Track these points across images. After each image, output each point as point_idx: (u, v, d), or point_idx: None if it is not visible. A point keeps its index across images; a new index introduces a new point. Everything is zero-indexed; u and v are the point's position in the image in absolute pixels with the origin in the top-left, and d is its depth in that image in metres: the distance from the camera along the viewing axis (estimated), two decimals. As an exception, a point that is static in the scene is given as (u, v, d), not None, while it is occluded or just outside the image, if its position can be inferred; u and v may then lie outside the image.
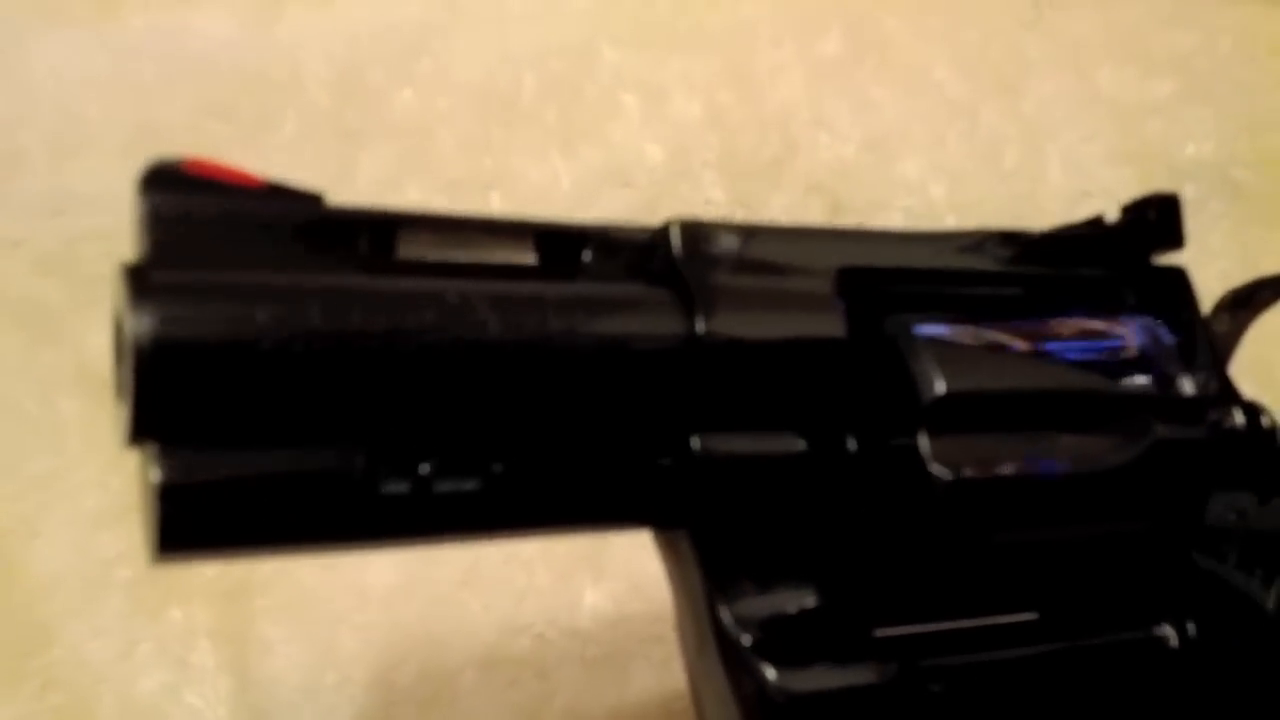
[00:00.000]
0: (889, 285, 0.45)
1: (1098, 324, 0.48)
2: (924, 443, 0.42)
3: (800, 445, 0.42)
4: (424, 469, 0.38)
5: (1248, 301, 0.54)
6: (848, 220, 0.84)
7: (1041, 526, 0.44)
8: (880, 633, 0.43)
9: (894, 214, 0.84)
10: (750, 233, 0.44)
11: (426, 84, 0.80)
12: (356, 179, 0.78)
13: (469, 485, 0.39)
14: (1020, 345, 0.46)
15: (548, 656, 0.67)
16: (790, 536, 0.42)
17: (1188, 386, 0.47)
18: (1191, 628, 0.46)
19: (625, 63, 0.84)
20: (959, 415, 0.43)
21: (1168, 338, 0.48)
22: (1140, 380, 0.47)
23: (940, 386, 0.42)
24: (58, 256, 0.74)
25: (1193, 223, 0.92)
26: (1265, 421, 0.49)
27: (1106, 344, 0.47)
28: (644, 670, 0.67)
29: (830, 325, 0.43)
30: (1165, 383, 0.47)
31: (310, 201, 0.38)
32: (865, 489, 0.43)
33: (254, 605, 0.67)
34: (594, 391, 0.40)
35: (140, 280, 0.34)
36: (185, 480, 0.35)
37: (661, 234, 0.43)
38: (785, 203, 0.83)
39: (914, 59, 0.89)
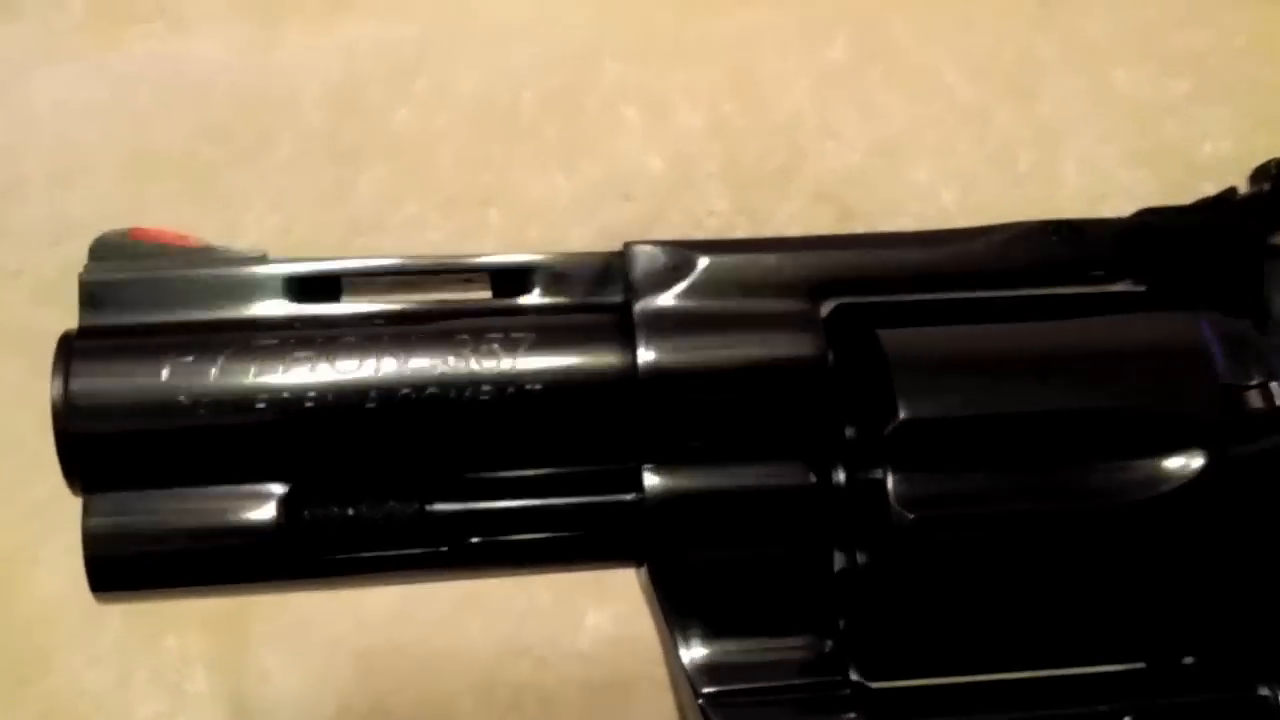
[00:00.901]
0: (877, 295, 0.41)
1: (1146, 326, 0.40)
2: (887, 477, 0.38)
3: (761, 479, 0.39)
4: (350, 510, 0.39)
5: None
6: (858, 228, 0.82)
7: (1045, 576, 0.38)
8: (874, 685, 0.39)
9: (905, 220, 0.83)
10: (719, 249, 0.41)
11: (424, 102, 0.80)
12: (354, 198, 0.77)
13: (402, 528, 0.39)
14: (1026, 358, 0.39)
15: (548, 680, 0.66)
16: (757, 575, 0.39)
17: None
18: None
19: (626, 74, 0.83)
20: (928, 445, 0.38)
21: (1260, 337, 0.40)
22: (1200, 391, 0.38)
23: (902, 411, 0.37)
24: (57, 285, 0.73)
25: (1214, 223, 0.90)
26: None
27: (1153, 350, 0.39)
28: (647, 693, 0.66)
29: (796, 346, 0.39)
30: (1238, 397, 0.39)
31: (250, 259, 0.41)
32: (832, 526, 0.39)
33: (251, 632, 0.66)
34: (523, 425, 0.39)
35: (63, 348, 0.39)
36: (109, 528, 0.38)
37: (616, 259, 0.41)
38: (792, 211, 0.82)
39: (923, 63, 0.88)
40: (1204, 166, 0.86)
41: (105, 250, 0.41)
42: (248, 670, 0.66)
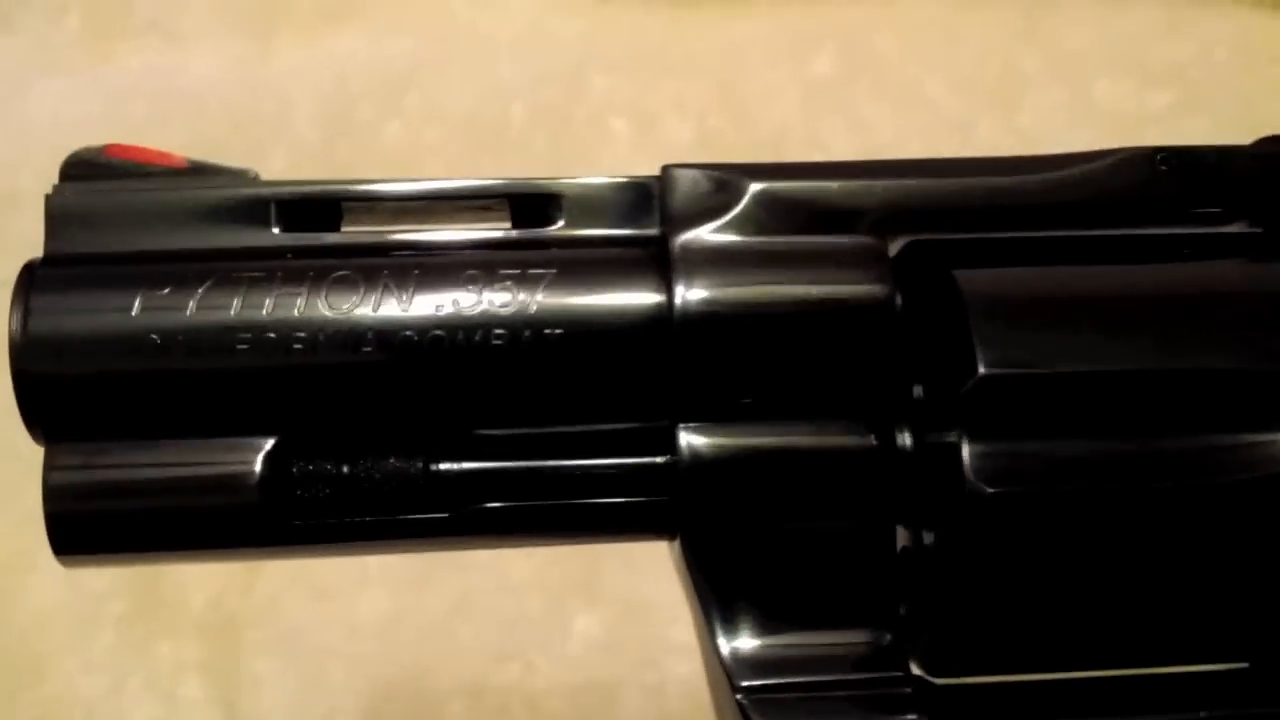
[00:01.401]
0: (953, 231, 0.36)
1: (1267, 274, 0.35)
2: (962, 442, 0.32)
3: (815, 440, 0.34)
4: (345, 468, 0.35)
5: None
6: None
7: (1141, 561, 0.33)
8: (939, 682, 0.34)
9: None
10: (771, 174, 0.36)
11: (415, 116, 0.81)
12: (346, 211, 0.78)
13: (403, 489, 0.35)
14: (1126, 308, 0.34)
15: (537, 685, 0.67)
16: (807, 553, 0.34)
17: None
18: None
19: (615, 88, 0.84)
20: (1010, 406, 0.32)
21: None
22: None
23: (981, 366, 0.32)
24: (53, 296, 0.75)
25: (1196, 233, 0.91)
26: None
27: (1275, 302, 0.34)
28: (634, 697, 0.67)
29: (860, 287, 0.34)
30: None
31: (239, 179, 0.37)
32: (895, 497, 0.34)
33: (244, 638, 0.67)
34: (541, 375, 0.34)
35: (24, 277, 0.35)
36: (73, 482, 0.35)
37: (652, 185, 0.36)
38: (779, 223, 0.83)
39: (907, 76, 0.89)
40: (1186, 177, 0.87)
41: (78, 169, 0.37)
42: (241, 677, 0.66)
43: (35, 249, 0.76)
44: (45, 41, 0.83)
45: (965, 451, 0.32)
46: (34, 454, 0.73)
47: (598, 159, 0.82)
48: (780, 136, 0.85)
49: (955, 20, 0.91)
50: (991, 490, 0.32)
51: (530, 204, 0.37)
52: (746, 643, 0.34)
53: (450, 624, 0.68)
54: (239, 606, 0.67)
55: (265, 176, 0.79)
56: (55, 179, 0.78)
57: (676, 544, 0.35)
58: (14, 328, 0.34)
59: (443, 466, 0.35)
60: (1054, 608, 0.33)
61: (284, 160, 0.79)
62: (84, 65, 0.82)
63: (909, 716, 0.34)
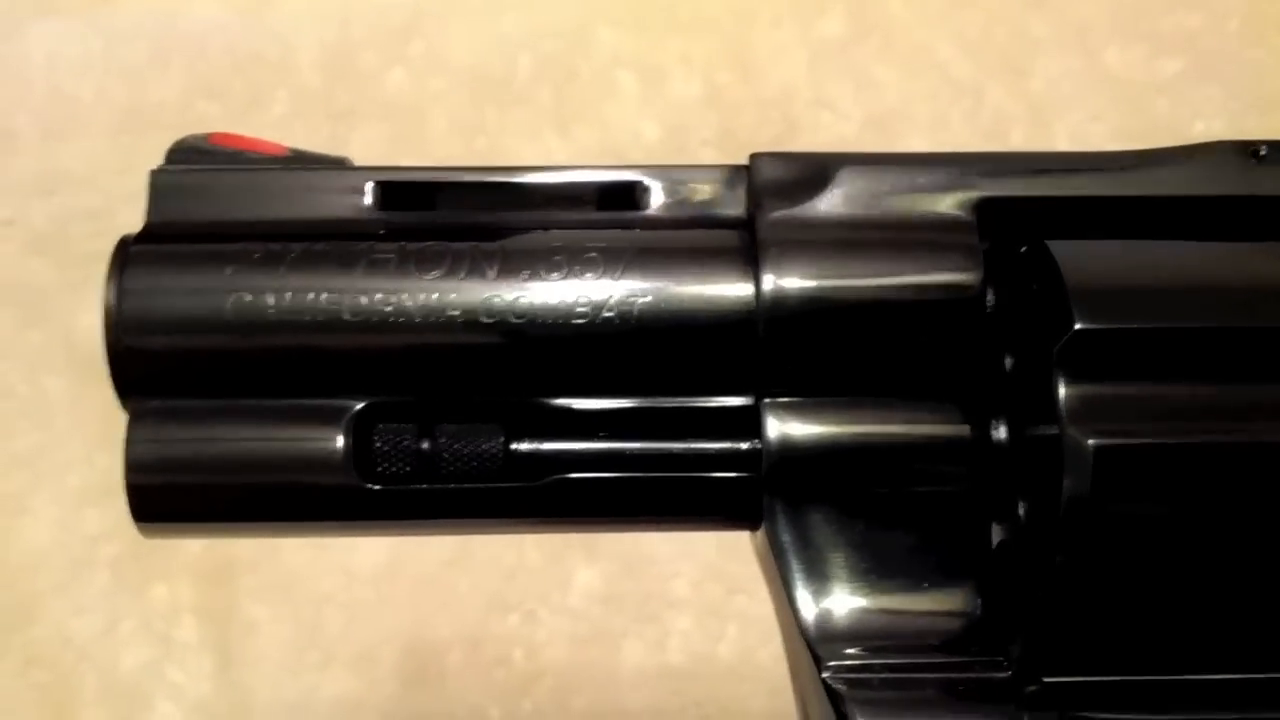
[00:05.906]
0: (1040, 216, 0.35)
1: None
2: (1061, 393, 0.31)
3: (906, 425, 0.34)
4: (426, 443, 0.35)
5: None
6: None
7: (1250, 527, 0.31)
8: (1047, 679, 0.33)
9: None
10: (863, 161, 0.36)
11: (419, 64, 0.80)
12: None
13: (484, 463, 0.35)
14: (1225, 270, 0.33)
15: (537, 635, 0.67)
16: (899, 540, 0.34)
17: None
18: None
19: (622, 43, 0.83)
20: (1105, 360, 0.31)
21: None
22: None
23: (1077, 322, 0.31)
24: (49, 236, 0.74)
25: (1203, 202, 0.91)
26: None
27: None
28: (635, 649, 0.66)
29: (952, 272, 0.34)
30: None
31: (338, 164, 0.38)
32: (992, 476, 0.34)
33: (239, 584, 0.66)
34: (622, 353, 0.34)
35: (119, 252, 0.35)
36: (156, 451, 0.35)
37: (741, 172, 0.36)
38: (785, 183, 0.82)
39: (917, 38, 0.88)
40: (1195, 146, 0.87)
41: (183, 155, 0.38)
42: (236, 621, 0.66)
43: (33, 187, 0.76)
44: (44, -19, 0.82)
45: (1062, 403, 0.31)
46: (29, 395, 0.72)
47: (604, 113, 0.81)
48: (788, 95, 0.85)
49: (966, -17, 0.91)
50: (1092, 443, 0.31)
51: (617, 190, 0.37)
52: (832, 625, 0.34)
53: (448, 574, 0.67)
54: (235, 551, 0.66)
55: (264, 118, 0.78)
56: (54, 120, 0.78)
57: (759, 534, 0.35)
58: (109, 301, 0.35)
59: (522, 444, 0.35)
60: (1165, 590, 0.32)
61: (285, 105, 0.78)
62: (83, 6, 0.81)
63: (1006, 706, 0.33)
